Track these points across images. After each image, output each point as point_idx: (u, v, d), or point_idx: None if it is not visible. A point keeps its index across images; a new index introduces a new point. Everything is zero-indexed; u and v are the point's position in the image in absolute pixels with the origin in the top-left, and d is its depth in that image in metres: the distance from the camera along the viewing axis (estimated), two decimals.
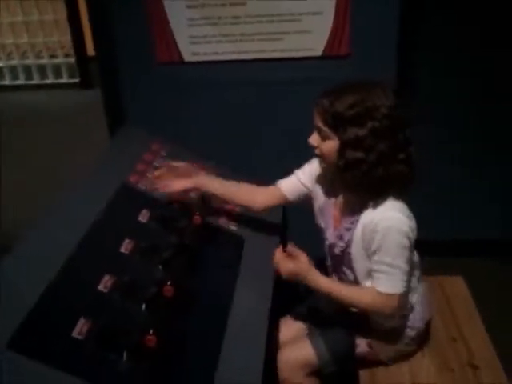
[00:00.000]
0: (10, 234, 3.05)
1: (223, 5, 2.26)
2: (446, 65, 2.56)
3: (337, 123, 1.54)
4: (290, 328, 1.92)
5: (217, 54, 2.34)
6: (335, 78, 2.22)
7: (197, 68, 2.35)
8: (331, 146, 1.57)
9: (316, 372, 1.78)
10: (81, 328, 1.31)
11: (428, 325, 1.86)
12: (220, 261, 1.80)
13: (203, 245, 1.76)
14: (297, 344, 1.81)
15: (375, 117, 1.50)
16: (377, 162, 1.51)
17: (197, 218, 1.81)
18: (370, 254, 1.60)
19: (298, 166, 1.89)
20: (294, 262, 1.63)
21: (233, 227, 1.97)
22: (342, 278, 1.76)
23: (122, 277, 1.50)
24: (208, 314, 1.57)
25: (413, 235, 1.58)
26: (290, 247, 1.66)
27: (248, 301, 1.65)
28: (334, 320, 1.81)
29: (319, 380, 1.80)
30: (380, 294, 1.59)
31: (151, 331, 1.28)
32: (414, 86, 2.36)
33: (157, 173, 2.01)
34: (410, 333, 1.76)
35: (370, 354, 1.76)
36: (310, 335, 1.81)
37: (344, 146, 1.54)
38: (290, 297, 2.00)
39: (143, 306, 1.43)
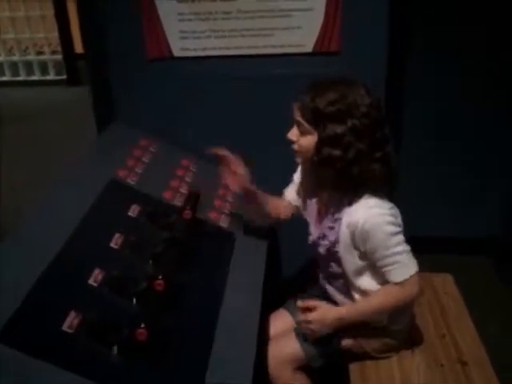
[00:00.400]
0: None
1: (214, 0, 2.25)
2: (436, 62, 2.58)
3: (316, 119, 1.55)
4: (280, 323, 1.91)
5: (206, 49, 2.33)
6: (325, 75, 2.24)
7: (186, 63, 2.33)
8: (309, 141, 1.58)
9: (304, 366, 1.78)
10: (71, 321, 1.30)
11: (413, 318, 1.86)
12: (210, 256, 1.78)
13: (193, 240, 1.75)
14: (283, 339, 1.81)
15: (355, 115, 1.51)
16: (353, 160, 1.52)
17: (187, 213, 1.80)
18: (367, 254, 1.60)
19: (290, 162, 1.88)
20: (312, 323, 1.66)
21: (223, 223, 1.96)
22: (330, 272, 1.76)
23: (112, 271, 1.48)
24: (199, 308, 1.55)
25: (398, 219, 1.60)
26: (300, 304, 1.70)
27: (239, 296, 1.64)
28: None
29: (307, 374, 1.80)
30: (400, 284, 1.59)
31: (142, 325, 1.27)
32: (403, 83, 2.37)
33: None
34: (394, 327, 1.75)
35: (354, 347, 1.76)
36: (296, 330, 1.80)
37: (322, 142, 1.55)
38: (280, 292, 2.00)
39: (134, 300, 1.42)
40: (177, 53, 2.32)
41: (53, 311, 1.32)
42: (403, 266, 1.58)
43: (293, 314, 1.88)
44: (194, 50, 2.33)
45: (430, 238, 2.75)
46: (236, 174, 1.81)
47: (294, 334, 1.79)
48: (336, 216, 1.64)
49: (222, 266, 1.75)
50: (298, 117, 1.60)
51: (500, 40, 2.60)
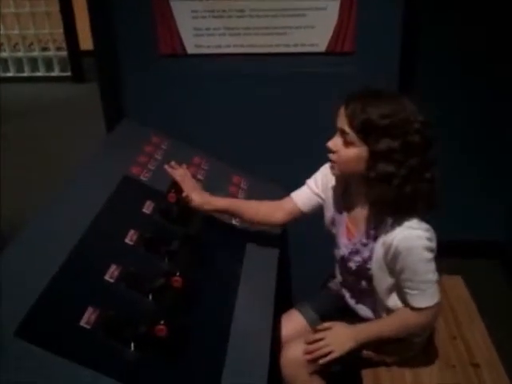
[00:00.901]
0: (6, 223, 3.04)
1: None
2: (449, 64, 2.57)
3: (368, 131, 1.46)
4: (293, 324, 1.89)
5: (220, 46, 2.32)
6: (338, 75, 2.24)
7: (199, 61, 2.33)
8: (355, 153, 1.50)
9: (320, 371, 1.74)
10: (88, 317, 1.29)
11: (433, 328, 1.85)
12: (223, 254, 1.78)
13: (207, 237, 1.74)
14: (298, 341, 1.77)
15: (408, 131, 1.45)
16: (406, 178, 1.46)
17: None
18: (395, 272, 1.57)
19: (299, 161, 1.86)
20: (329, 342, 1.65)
21: (235, 221, 1.95)
22: (358, 288, 1.74)
23: (128, 267, 1.47)
24: (214, 306, 1.55)
25: (434, 245, 1.55)
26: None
27: (252, 294, 1.64)
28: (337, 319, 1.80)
29: (324, 379, 1.77)
30: (417, 310, 1.58)
31: (162, 321, 1.26)
32: (416, 84, 2.36)
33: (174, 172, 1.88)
34: (417, 339, 1.73)
35: (376, 357, 1.74)
36: (314, 333, 1.77)
37: (375, 157, 1.46)
38: (293, 292, 2.00)
39: (150, 296, 1.41)
40: (190, 50, 2.32)
41: (70, 307, 1.32)
42: (426, 294, 1.56)
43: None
44: (208, 47, 2.32)
45: (440, 242, 2.75)
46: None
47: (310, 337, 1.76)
48: (372, 232, 1.59)
49: (235, 265, 1.75)
50: (343, 125, 1.50)
51: None
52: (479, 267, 2.80)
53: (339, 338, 1.66)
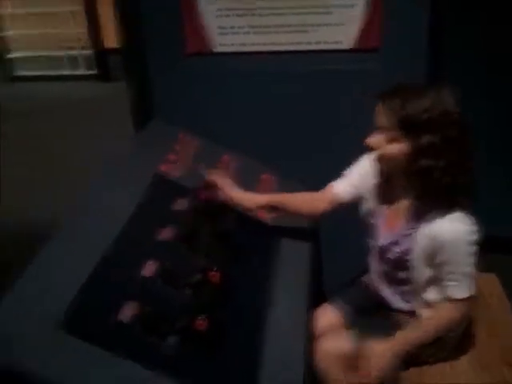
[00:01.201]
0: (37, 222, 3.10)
1: None
2: (475, 64, 2.56)
3: (409, 127, 1.48)
4: (327, 318, 1.90)
5: (245, 45, 2.34)
6: (361, 72, 2.24)
7: (225, 59, 2.35)
8: (398, 149, 1.52)
9: (356, 366, 1.72)
10: (127, 312, 1.32)
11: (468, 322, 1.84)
12: (257, 249, 1.80)
13: (240, 233, 1.76)
14: (334, 335, 1.79)
15: (447, 123, 1.47)
16: (447, 170, 1.48)
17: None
18: (435, 264, 1.59)
19: (320, 157, 1.85)
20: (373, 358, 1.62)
21: (267, 219, 1.97)
22: (396, 278, 1.75)
23: (164, 262, 1.50)
24: (249, 301, 1.57)
25: (478, 238, 1.55)
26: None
27: (286, 289, 1.66)
28: (373, 315, 1.82)
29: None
30: (454, 301, 1.60)
31: (202, 315, 1.29)
32: (443, 80, 2.36)
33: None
34: (451, 333, 1.73)
35: (410, 354, 1.71)
36: (350, 327, 1.79)
37: (417, 152, 1.49)
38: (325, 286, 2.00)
39: (188, 291, 1.44)
40: (216, 48, 2.34)
41: (108, 302, 1.35)
42: (465, 286, 1.58)
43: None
44: (233, 45, 2.34)
45: None
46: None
47: (346, 332, 1.77)
48: (415, 224, 1.60)
49: (269, 261, 1.77)
50: (383, 123, 1.52)
51: None
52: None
53: (379, 361, 1.62)
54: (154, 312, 1.35)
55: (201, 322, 1.29)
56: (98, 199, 1.71)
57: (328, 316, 1.91)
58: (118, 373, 1.21)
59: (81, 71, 6.23)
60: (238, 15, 2.31)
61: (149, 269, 1.47)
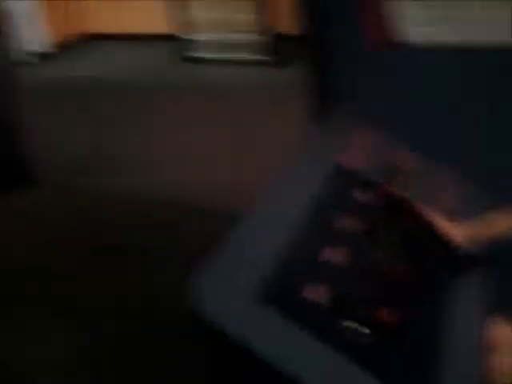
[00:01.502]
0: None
1: None
2: None
3: None
4: (500, 330, 1.84)
5: (437, 38, 2.26)
6: None
7: (414, 53, 2.30)
8: None
9: None
10: (318, 292, 1.36)
11: None
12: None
13: (421, 231, 1.73)
14: (506, 350, 1.71)
15: None
16: None
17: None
18: None
19: None
20: None
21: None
22: None
23: (343, 248, 1.53)
24: (431, 302, 1.56)
25: None
26: None
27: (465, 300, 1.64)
28: None
29: None
30: None
31: (396, 307, 1.30)
32: None
33: None
34: None
35: None
36: None
37: None
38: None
39: (372, 284, 1.46)
40: (405, 41, 2.30)
41: (300, 283, 1.39)
42: None
43: None
44: (424, 38, 2.28)
45: None
46: None
47: None
48: None
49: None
50: None
51: None
52: None
53: None
54: (345, 297, 1.37)
55: (395, 314, 1.29)
56: (282, 187, 1.78)
57: (500, 329, 1.83)
58: (310, 352, 1.25)
59: (256, 56, 6.37)
60: (429, 6, 2.25)
61: (334, 256, 1.50)
